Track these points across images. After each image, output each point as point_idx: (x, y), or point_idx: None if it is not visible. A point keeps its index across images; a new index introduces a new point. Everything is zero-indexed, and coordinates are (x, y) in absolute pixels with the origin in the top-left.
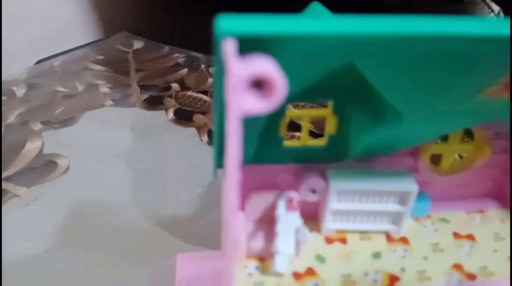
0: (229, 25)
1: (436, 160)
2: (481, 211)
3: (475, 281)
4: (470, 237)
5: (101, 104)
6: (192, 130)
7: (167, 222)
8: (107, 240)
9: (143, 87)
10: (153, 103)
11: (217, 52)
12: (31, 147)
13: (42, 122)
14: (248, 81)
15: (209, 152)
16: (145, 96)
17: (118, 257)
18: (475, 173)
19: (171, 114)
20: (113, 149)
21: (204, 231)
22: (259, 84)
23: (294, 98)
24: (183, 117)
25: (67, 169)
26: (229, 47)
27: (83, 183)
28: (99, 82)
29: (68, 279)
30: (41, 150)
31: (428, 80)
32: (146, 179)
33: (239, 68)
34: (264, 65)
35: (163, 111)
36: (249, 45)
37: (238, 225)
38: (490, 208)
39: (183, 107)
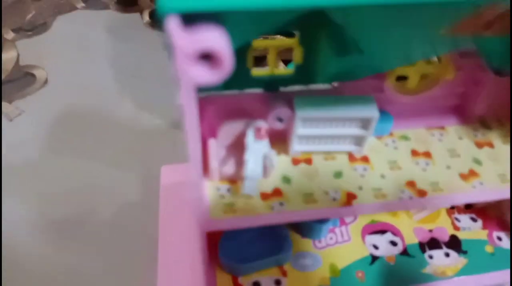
0: (171, 1)
1: (402, 79)
2: (442, 128)
3: (424, 197)
4: (427, 155)
5: (72, 7)
6: None
7: (152, 129)
8: (97, 145)
9: None
10: (127, 3)
11: (164, 27)
12: (7, 58)
13: (14, 30)
14: (196, 55)
15: None
16: None
17: (107, 162)
18: (439, 91)
19: (146, 17)
20: (90, 55)
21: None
22: (208, 55)
23: (259, 34)
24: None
25: (46, 81)
26: (172, 24)
27: (64, 93)
28: None
29: (62, 182)
30: (17, 61)
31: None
32: (130, 83)
33: (185, 43)
34: (210, 39)
35: (138, 14)
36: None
37: (211, 151)
38: (451, 124)
39: None
